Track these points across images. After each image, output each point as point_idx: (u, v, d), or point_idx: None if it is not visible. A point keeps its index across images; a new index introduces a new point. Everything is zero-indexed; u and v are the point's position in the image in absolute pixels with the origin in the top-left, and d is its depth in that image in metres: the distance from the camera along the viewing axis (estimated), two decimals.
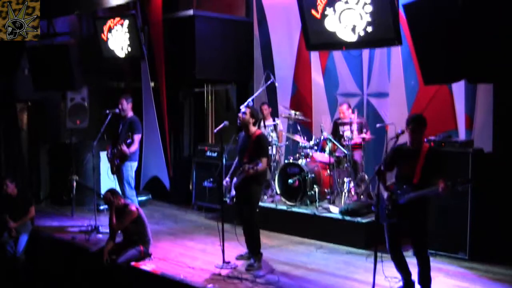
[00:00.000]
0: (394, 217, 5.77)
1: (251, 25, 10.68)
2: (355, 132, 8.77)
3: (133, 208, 7.33)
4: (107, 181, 8.95)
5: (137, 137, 8.47)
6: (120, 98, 8.68)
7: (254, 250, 7.04)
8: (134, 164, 8.58)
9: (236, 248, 7.44)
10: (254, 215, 6.97)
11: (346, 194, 8.63)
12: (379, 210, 5.84)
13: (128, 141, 8.31)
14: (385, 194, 5.86)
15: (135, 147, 8.44)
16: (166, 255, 7.57)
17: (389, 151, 6.07)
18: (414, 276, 5.92)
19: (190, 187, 10.52)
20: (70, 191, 10.07)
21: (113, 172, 8.62)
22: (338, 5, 7.66)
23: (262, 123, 9.84)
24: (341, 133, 8.95)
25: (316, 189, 8.56)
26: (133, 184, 8.57)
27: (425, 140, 6.59)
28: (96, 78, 11.40)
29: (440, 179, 5.45)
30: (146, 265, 7.16)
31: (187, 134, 11.83)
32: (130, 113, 8.69)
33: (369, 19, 7.42)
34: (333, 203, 8.63)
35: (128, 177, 8.47)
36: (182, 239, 8.47)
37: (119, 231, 7.42)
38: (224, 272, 6.79)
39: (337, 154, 8.88)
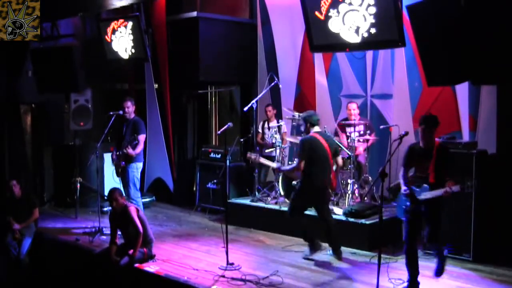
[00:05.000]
0: (413, 211, 5.92)
1: (254, 27, 10.68)
2: (361, 133, 8.77)
3: (132, 207, 7.33)
4: (111, 183, 8.94)
5: (141, 138, 8.47)
6: (125, 100, 8.68)
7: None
8: (140, 165, 8.57)
9: (240, 249, 7.45)
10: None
11: (350, 196, 8.60)
12: (396, 205, 6.06)
13: (134, 142, 8.32)
14: (403, 189, 5.98)
15: (140, 148, 8.44)
16: (170, 256, 7.57)
17: (405, 150, 6.17)
18: (420, 278, 5.94)
19: (194, 188, 10.51)
20: (74, 193, 10.07)
21: (118, 175, 8.63)
22: (341, 7, 7.64)
23: (266, 125, 9.87)
24: (348, 134, 8.92)
25: None
26: (138, 185, 8.57)
27: None
28: (100, 80, 11.41)
29: (450, 180, 5.67)
30: (150, 267, 7.15)
31: (190, 136, 11.83)
32: (133, 115, 8.70)
33: (373, 21, 7.40)
34: (337, 204, 8.61)
35: (134, 178, 8.46)
36: (186, 240, 8.46)
37: (119, 233, 7.43)
38: (228, 273, 6.78)
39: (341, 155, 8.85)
